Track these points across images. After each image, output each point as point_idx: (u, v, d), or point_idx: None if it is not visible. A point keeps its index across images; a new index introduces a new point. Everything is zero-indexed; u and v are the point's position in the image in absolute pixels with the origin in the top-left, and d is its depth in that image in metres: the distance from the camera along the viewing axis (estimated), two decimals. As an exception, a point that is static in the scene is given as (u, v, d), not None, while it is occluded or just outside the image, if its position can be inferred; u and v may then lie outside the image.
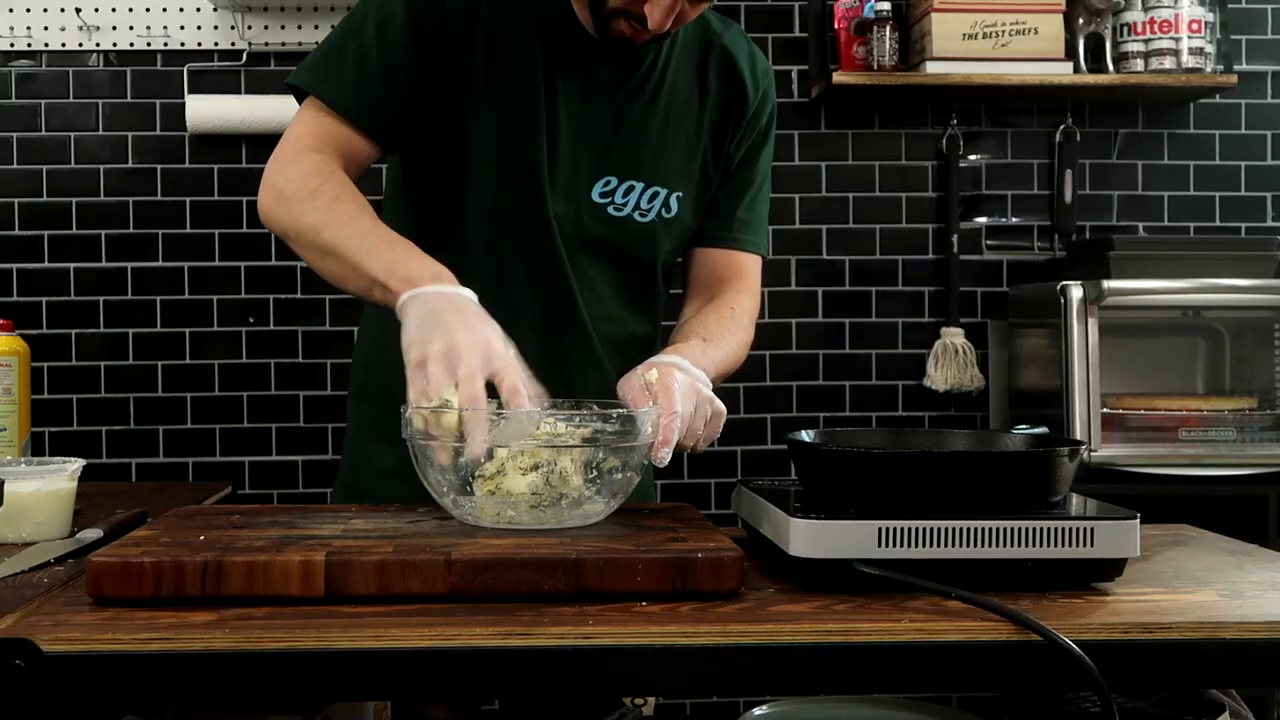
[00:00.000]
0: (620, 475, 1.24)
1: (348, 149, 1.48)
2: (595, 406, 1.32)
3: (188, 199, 2.95)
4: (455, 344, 1.22)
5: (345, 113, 1.47)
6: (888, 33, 2.89)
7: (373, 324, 1.66)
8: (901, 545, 1.11)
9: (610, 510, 1.26)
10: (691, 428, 1.35)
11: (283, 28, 2.93)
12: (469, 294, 1.31)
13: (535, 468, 1.20)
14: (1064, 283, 2.64)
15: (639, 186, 1.56)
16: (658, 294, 1.66)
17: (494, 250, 1.53)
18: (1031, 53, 2.87)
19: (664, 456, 1.28)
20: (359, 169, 1.50)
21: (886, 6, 2.90)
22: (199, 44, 2.93)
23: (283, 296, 2.97)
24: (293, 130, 1.49)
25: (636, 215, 1.57)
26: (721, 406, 1.40)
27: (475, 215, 1.53)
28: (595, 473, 1.23)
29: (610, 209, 1.56)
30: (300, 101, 1.52)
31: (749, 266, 1.64)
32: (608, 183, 1.55)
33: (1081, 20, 2.94)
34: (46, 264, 2.93)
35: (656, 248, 1.60)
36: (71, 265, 2.94)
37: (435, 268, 1.33)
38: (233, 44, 2.93)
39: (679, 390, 1.32)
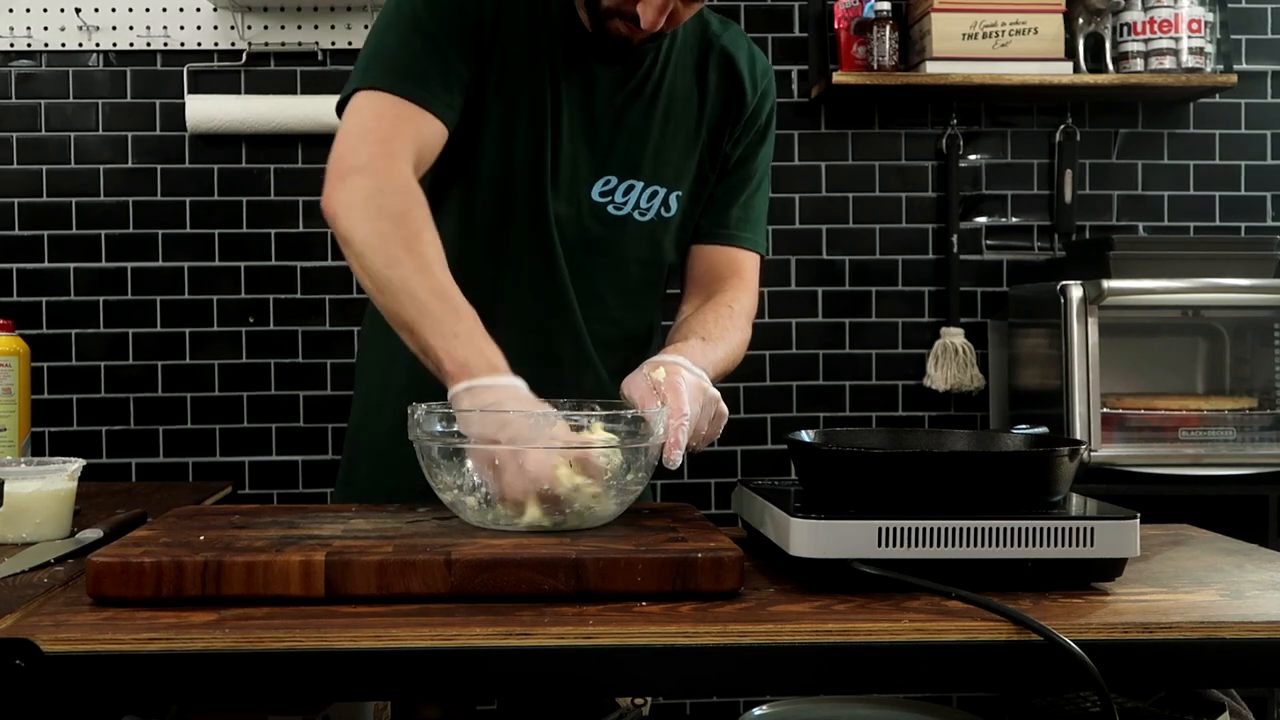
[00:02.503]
0: (631, 476, 1.24)
1: (426, 142, 1.43)
2: (598, 407, 1.32)
3: (188, 199, 2.95)
4: (519, 441, 1.20)
5: (426, 104, 1.42)
6: (887, 33, 2.89)
7: (377, 324, 1.66)
8: (901, 545, 1.11)
9: (620, 511, 1.26)
10: (697, 428, 1.35)
11: (283, 28, 2.93)
12: (521, 384, 1.29)
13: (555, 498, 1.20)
14: (1064, 283, 2.64)
15: (639, 186, 1.56)
16: (657, 293, 1.66)
17: (494, 248, 1.53)
18: (1031, 53, 2.87)
19: (675, 459, 1.28)
20: (432, 161, 1.46)
21: (886, 6, 2.90)
22: (199, 44, 2.93)
23: (283, 296, 2.97)
24: (365, 121, 1.42)
25: (636, 214, 1.57)
26: (724, 407, 1.40)
27: (480, 211, 1.53)
28: (609, 475, 1.22)
29: (610, 208, 1.56)
30: (341, 112, 1.47)
31: (747, 264, 1.64)
32: (607, 182, 1.55)
33: (1081, 20, 2.94)
34: (46, 264, 2.93)
35: (656, 247, 1.60)
36: (71, 265, 2.94)
37: (493, 357, 1.30)
38: (233, 44, 2.93)
39: (687, 390, 1.32)
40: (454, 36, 1.45)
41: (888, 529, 1.11)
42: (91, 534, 1.31)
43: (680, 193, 1.59)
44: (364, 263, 1.36)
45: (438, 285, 1.34)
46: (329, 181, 1.40)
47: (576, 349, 1.57)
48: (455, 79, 1.46)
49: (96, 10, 2.92)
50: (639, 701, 1.54)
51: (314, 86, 2.91)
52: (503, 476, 1.19)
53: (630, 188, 1.56)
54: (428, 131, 1.44)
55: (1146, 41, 2.92)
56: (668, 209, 1.59)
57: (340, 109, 1.46)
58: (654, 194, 1.57)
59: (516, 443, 1.19)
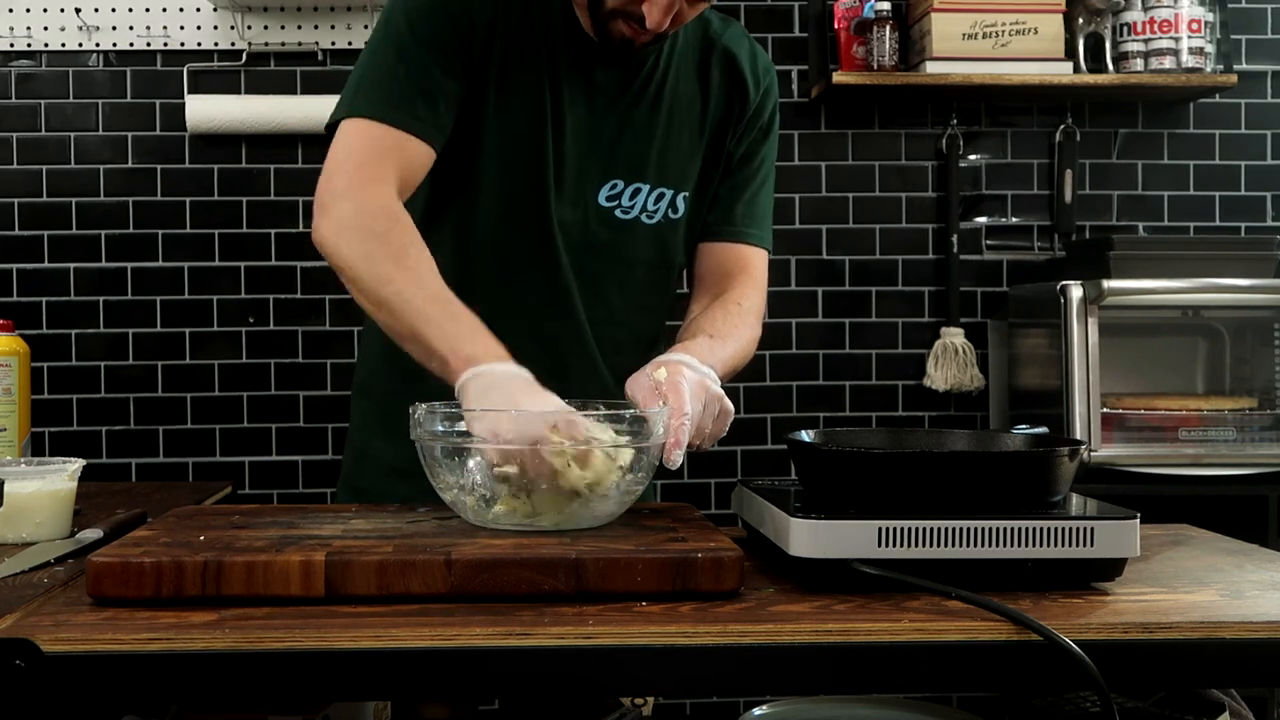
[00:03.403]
0: (631, 476, 1.24)
1: (410, 167, 1.45)
2: (602, 406, 1.32)
3: (188, 199, 2.95)
4: (524, 420, 1.21)
5: (411, 129, 1.44)
6: (887, 33, 2.89)
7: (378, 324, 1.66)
8: (901, 545, 1.11)
9: (620, 511, 1.26)
10: (700, 426, 1.35)
11: (283, 28, 2.93)
12: (526, 372, 1.30)
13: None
14: (1064, 283, 2.64)
15: (645, 189, 1.56)
16: (667, 296, 1.66)
17: (498, 253, 1.53)
18: (1031, 53, 2.87)
19: (676, 459, 1.28)
20: (417, 184, 1.47)
21: (886, 6, 2.90)
22: (199, 44, 2.93)
23: (283, 296, 2.97)
24: (346, 150, 1.45)
25: (644, 217, 1.57)
26: (730, 405, 1.39)
27: (481, 219, 1.53)
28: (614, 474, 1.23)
29: (617, 212, 1.56)
30: (331, 131, 1.48)
31: (754, 261, 1.64)
32: (614, 186, 1.55)
33: (1081, 20, 2.94)
34: (46, 264, 2.93)
35: (664, 249, 1.60)
36: (71, 265, 2.94)
37: (496, 348, 1.32)
38: (233, 44, 2.93)
39: (688, 389, 1.32)
40: (441, 53, 1.46)
41: (888, 529, 1.11)
42: (91, 534, 1.31)
43: (687, 193, 1.59)
44: (359, 285, 1.39)
45: (433, 293, 1.36)
46: (315, 214, 1.43)
47: (582, 355, 1.57)
48: (442, 96, 1.46)
49: (96, 10, 2.92)
50: (639, 701, 1.54)
51: (314, 86, 2.91)
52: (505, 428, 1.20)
53: (637, 191, 1.56)
54: (411, 155, 1.45)
55: (1146, 41, 2.92)
56: (675, 210, 1.59)
57: (331, 130, 1.48)
58: (660, 196, 1.57)
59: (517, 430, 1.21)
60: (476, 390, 1.27)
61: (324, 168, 1.45)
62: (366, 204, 1.41)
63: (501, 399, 1.25)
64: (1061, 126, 3.07)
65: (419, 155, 1.46)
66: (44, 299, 2.93)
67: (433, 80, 1.45)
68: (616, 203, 1.56)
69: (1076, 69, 2.92)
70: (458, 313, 1.35)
